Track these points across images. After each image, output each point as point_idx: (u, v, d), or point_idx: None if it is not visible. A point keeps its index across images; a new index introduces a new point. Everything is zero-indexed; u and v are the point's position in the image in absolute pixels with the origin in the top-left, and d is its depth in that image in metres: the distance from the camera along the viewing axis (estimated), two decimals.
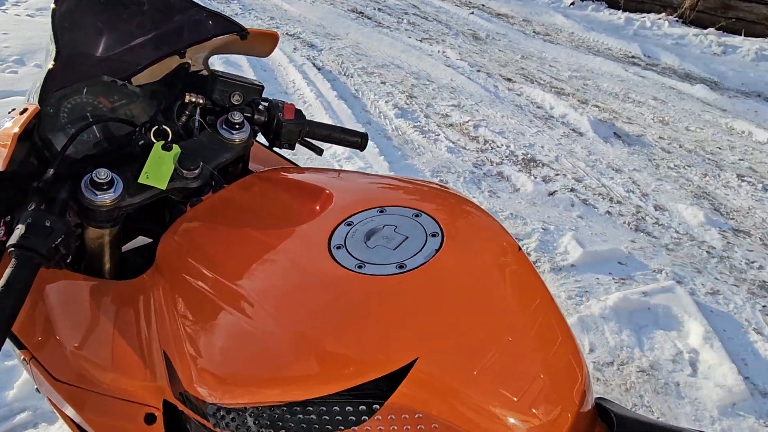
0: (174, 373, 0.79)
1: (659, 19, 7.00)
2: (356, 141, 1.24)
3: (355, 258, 0.76)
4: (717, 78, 5.74)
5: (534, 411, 0.69)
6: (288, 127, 1.14)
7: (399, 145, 3.76)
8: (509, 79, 5.07)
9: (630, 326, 2.42)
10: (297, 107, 1.17)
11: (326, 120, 3.91)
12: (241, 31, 1.11)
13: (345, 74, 4.77)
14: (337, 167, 3.32)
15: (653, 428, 0.77)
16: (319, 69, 4.78)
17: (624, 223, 3.16)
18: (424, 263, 0.74)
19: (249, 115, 1.12)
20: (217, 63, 4.51)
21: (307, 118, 1.19)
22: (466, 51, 5.69)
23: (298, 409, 0.68)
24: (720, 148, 4.17)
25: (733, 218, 3.29)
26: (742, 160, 4.02)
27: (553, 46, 6.19)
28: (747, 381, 2.20)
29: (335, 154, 3.53)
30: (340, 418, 0.67)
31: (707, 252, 2.97)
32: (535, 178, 3.51)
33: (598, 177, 3.60)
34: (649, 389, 2.16)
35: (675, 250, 2.96)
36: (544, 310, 0.76)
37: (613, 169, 3.71)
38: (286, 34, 5.58)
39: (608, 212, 3.24)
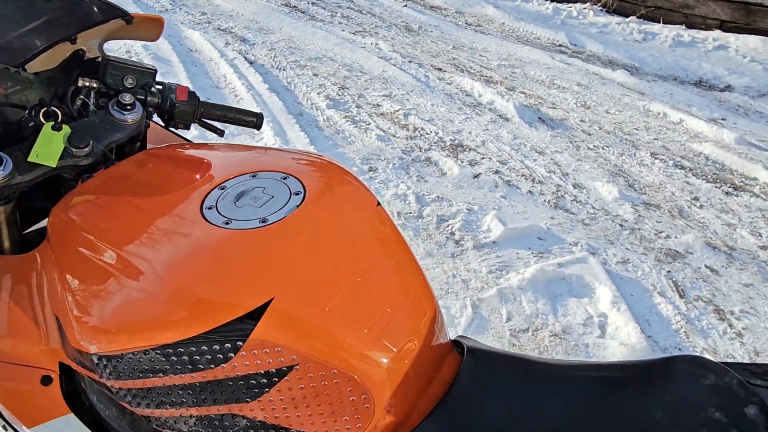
0: (65, 334, 0.86)
1: (585, 8, 7.28)
2: (252, 120, 1.31)
3: (224, 216, 0.84)
4: (637, 63, 6.02)
5: (383, 342, 0.78)
6: (181, 107, 1.20)
7: (330, 135, 3.83)
8: (440, 69, 5.20)
9: (545, 295, 2.57)
10: (191, 89, 1.23)
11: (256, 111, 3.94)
12: (126, 17, 1.17)
13: (277, 67, 4.80)
14: None
15: (500, 356, 0.87)
16: (251, 63, 4.80)
17: (544, 201, 3.32)
18: (284, 217, 0.83)
19: (142, 97, 1.18)
20: (143, 56, 4.48)
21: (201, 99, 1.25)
22: (399, 43, 5.80)
23: (171, 351, 0.75)
24: (637, 129, 4.40)
25: (645, 193, 3.51)
26: (656, 139, 4.27)
27: (483, 37, 6.36)
28: (649, 339, 2.38)
29: (266, 146, 3.58)
30: (210, 356, 0.75)
31: (620, 225, 3.16)
32: (462, 162, 3.65)
33: (522, 159, 3.76)
34: (561, 351, 2.31)
35: (590, 225, 3.13)
36: (396, 256, 0.85)
37: (537, 152, 3.88)
38: (218, 29, 5.57)
39: (530, 192, 3.40)
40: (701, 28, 6.67)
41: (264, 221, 0.82)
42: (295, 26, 5.88)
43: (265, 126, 3.76)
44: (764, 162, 3.92)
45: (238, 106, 1.51)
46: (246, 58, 4.88)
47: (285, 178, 0.90)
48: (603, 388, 0.80)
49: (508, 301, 2.53)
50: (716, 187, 3.62)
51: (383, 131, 3.95)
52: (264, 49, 5.16)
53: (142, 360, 0.76)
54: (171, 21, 5.64)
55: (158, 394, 0.79)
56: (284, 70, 4.77)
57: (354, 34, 5.88)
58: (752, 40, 6.39)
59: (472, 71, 5.27)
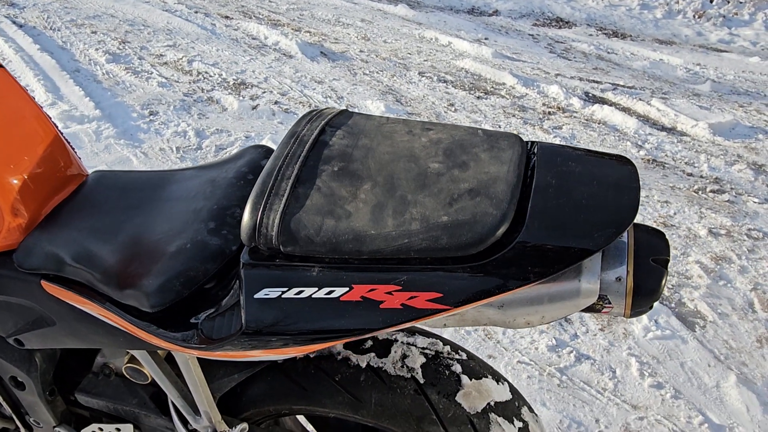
0: None
1: None
2: None
3: None
4: None
5: (9, 161, 0.99)
6: None
7: (109, 87, 3.85)
8: (227, 17, 5.31)
9: None
10: None
11: (28, 73, 3.85)
12: None
13: (51, 28, 4.64)
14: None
15: (121, 174, 1.12)
16: (20, 26, 4.59)
17: None
18: None
19: None
20: None
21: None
22: None
23: None
24: (410, 54, 4.86)
25: (410, 105, 3.95)
26: (426, 61, 4.75)
27: None
28: None
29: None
30: None
31: None
32: (243, 98, 3.86)
33: (302, 89, 4.04)
34: None
35: None
36: (16, 103, 1.06)
37: (316, 82, 4.19)
38: None
39: None
40: None
41: None
42: None
43: (35, 84, 3.70)
44: (512, 69, 4.54)
45: None
46: (15, 22, 4.65)
47: None
48: (197, 179, 1.08)
49: None
50: (470, 94, 4.16)
51: (166, 78, 4.03)
52: (36, 11, 4.94)
53: None
54: None
55: None
56: (59, 30, 4.62)
57: None
58: None
59: (260, 16, 5.43)
